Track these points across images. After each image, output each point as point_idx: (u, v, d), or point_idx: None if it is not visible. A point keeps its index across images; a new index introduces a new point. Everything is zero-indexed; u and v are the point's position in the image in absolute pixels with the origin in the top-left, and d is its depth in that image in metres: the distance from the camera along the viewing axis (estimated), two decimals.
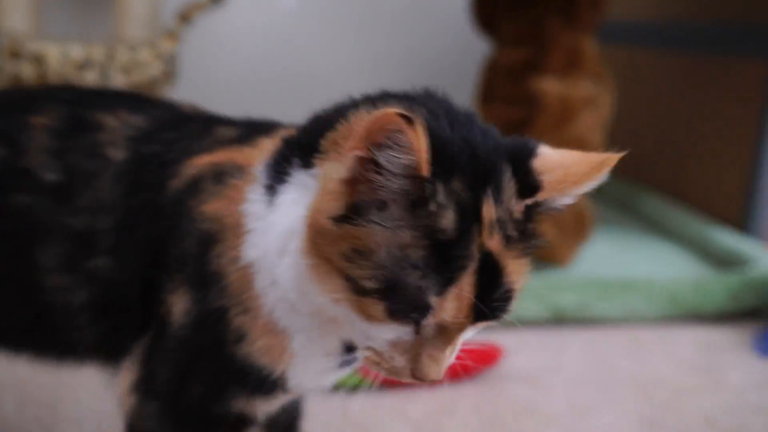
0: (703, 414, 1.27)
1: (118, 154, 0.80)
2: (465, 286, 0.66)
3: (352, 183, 0.66)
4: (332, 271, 0.67)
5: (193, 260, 0.75)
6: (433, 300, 0.65)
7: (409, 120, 0.62)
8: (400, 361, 0.69)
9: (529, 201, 0.69)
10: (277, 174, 0.74)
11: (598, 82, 1.76)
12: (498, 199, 0.68)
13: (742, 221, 1.88)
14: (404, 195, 0.65)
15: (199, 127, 0.82)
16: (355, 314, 0.68)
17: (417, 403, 1.22)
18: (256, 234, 0.73)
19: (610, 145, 1.75)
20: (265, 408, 0.79)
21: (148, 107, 0.84)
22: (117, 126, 0.82)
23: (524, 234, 0.69)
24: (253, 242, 0.73)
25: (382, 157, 0.64)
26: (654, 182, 2.23)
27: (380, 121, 0.62)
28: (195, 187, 0.77)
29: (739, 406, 1.31)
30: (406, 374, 0.70)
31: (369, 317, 0.67)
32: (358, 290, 0.66)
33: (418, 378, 0.69)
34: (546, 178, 0.70)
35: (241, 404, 0.78)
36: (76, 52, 1.81)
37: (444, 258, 0.65)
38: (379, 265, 0.65)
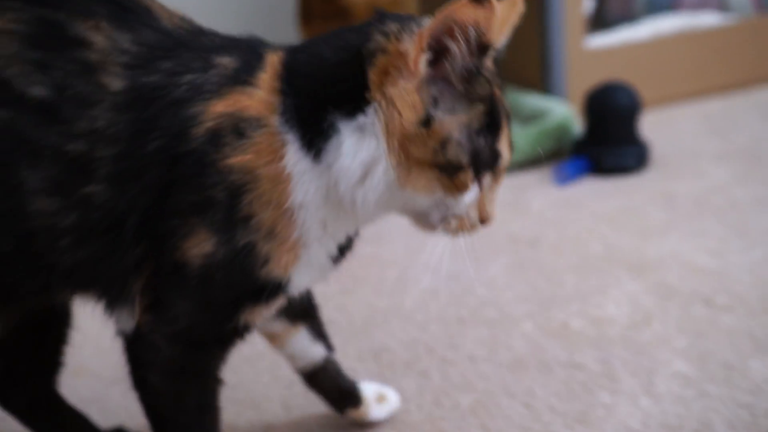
0: (509, 234, 1.59)
1: (115, 83, 0.78)
2: (505, 128, 0.84)
3: (419, 88, 0.79)
4: (424, 168, 0.80)
5: (222, 207, 0.79)
6: (498, 147, 0.82)
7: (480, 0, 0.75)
8: (474, 215, 0.85)
9: (492, 52, 0.82)
10: (313, 130, 0.80)
11: None
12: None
13: (543, 83, 2.20)
14: (463, 75, 0.79)
15: (197, 56, 0.82)
16: (447, 195, 0.82)
17: None
18: (303, 182, 0.81)
19: None
20: (266, 314, 0.87)
21: (131, 17, 0.81)
22: (106, 47, 0.79)
23: (500, 78, 0.85)
24: (301, 189, 0.81)
25: (454, 45, 0.78)
26: None
27: (456, 13, 0.76)
28: (216, 140, 0.79)
29: (536, 223, 1.64)
30: (477, 224, 0.85)
31: (460, 188, 0.81)
32: (451, 170, 0.80)
33: (485, 221, 0.86)
34: None
35: (247, 316, 0.84)
36: None
37: (490, 113, 0.81)
38: (460, 143, 0.79)
